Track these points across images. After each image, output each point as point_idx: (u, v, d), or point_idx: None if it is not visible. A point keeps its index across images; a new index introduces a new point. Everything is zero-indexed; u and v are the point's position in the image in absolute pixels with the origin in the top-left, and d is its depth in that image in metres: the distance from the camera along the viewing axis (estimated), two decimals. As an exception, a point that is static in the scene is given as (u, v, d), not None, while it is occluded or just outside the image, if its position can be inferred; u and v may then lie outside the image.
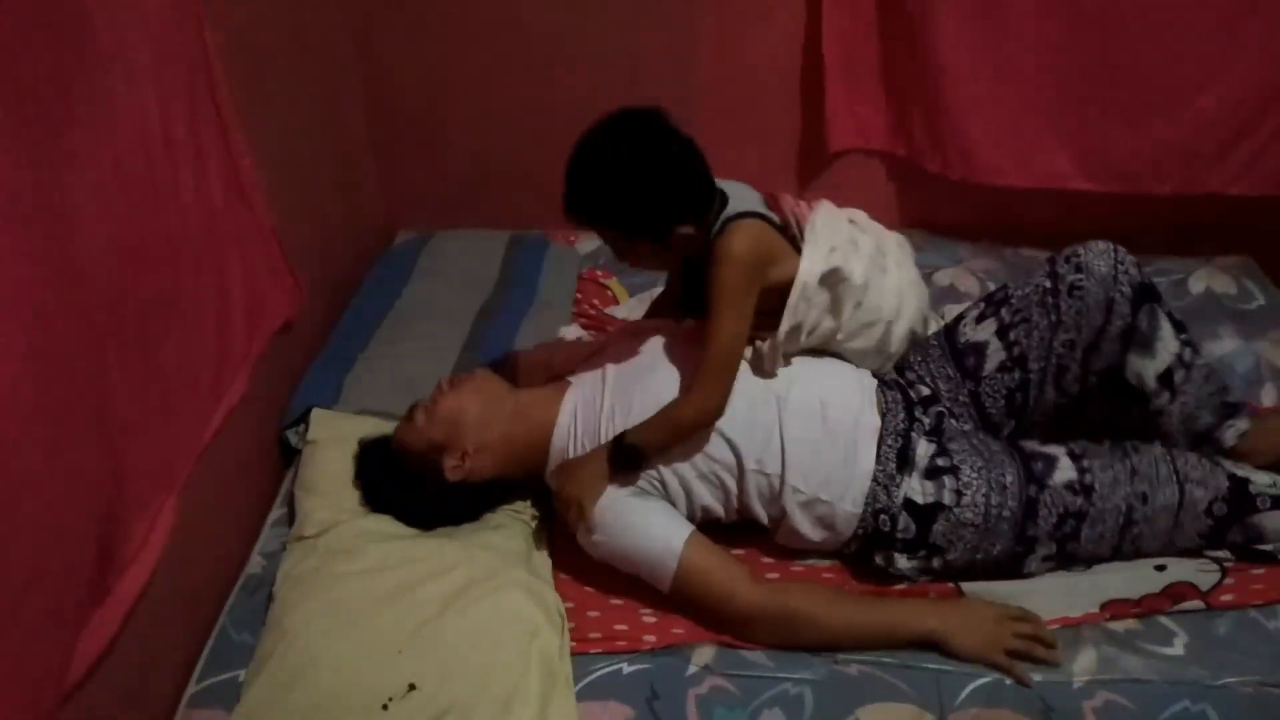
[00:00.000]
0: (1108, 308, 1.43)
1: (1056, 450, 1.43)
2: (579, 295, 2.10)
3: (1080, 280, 1.44)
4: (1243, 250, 2.18)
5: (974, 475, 1.40)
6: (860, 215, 1.59)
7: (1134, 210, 2.20)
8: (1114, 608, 1.38)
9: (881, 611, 1.37)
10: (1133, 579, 1.41)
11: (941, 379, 1.54)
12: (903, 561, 1.42)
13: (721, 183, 1.44)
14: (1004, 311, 1.51)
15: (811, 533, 1.45)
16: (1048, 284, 1.48)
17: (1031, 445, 1.46)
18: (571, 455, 1.47)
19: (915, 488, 1.41)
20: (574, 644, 1.36)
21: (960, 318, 1.58)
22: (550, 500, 1.50)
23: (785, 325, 1.44)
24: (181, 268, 1.35)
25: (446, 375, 1.59)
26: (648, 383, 1.46)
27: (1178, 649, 1.33)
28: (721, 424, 1.42)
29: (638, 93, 2.18)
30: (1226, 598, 1.37)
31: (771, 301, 1.45)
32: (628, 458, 1.41)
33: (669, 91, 2.20)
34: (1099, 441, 1.47)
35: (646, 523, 1.40)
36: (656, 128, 1.35)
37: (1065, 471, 1.40)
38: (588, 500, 1.40)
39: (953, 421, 1.51)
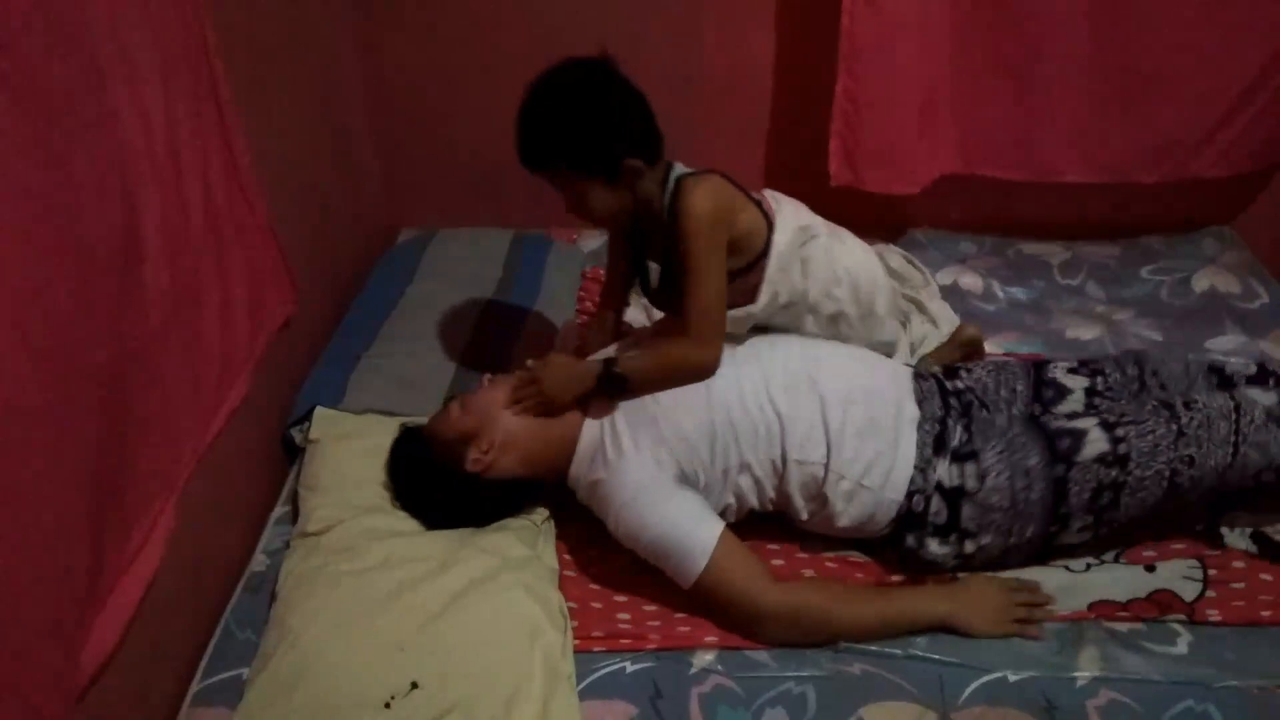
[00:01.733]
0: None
1: (1086, 423, 1.40)
2: (582, 294, 2.11)
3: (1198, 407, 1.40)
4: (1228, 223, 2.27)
5: (995, 459, 1.40)
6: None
7: (1130, 203, 2.22)
8: (1100, 609, 1.38)
9: (893, 602, 1.37)
10: (1122, 580, 1.42)
11: (1003, 383, 1.55)
12: (935, 546, 1.41)
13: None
14: (1098, 380, 1.53)
15: (850, 520, 1.44)
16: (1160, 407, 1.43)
17: (1059, 422, 1.42)
18: (605, 455, 1.43)
19: (944, 471, 1.41)
20: (578, 642, 1.36)
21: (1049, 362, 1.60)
22: (565, 497, 1.51)
23: (764, 298, 1.48)
24: (184, 267, 1.35)
25: (489, 375, 1.59)
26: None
27: (1181, 648, 1.33)
28: (762, 414, 1.41)
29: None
30: (1211, 612, 1.36)
31: (735, 260, 1.46)
32: (613, 385, 1.44)
33: (670, 89, 2.22)
34: (1140, 402, 1.46)
35: (679, 515, 1.37)
36: (600, 69, 1.39)
37: (1096, 444, 1.37)
38: (556, 400, 1.45)
39: (984, 411, 1.50)
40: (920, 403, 1.47)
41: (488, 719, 1.21)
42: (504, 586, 1.36)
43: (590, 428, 1.47)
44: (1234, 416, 1.37)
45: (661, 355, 1.45)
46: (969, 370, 1.59)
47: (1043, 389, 1.53)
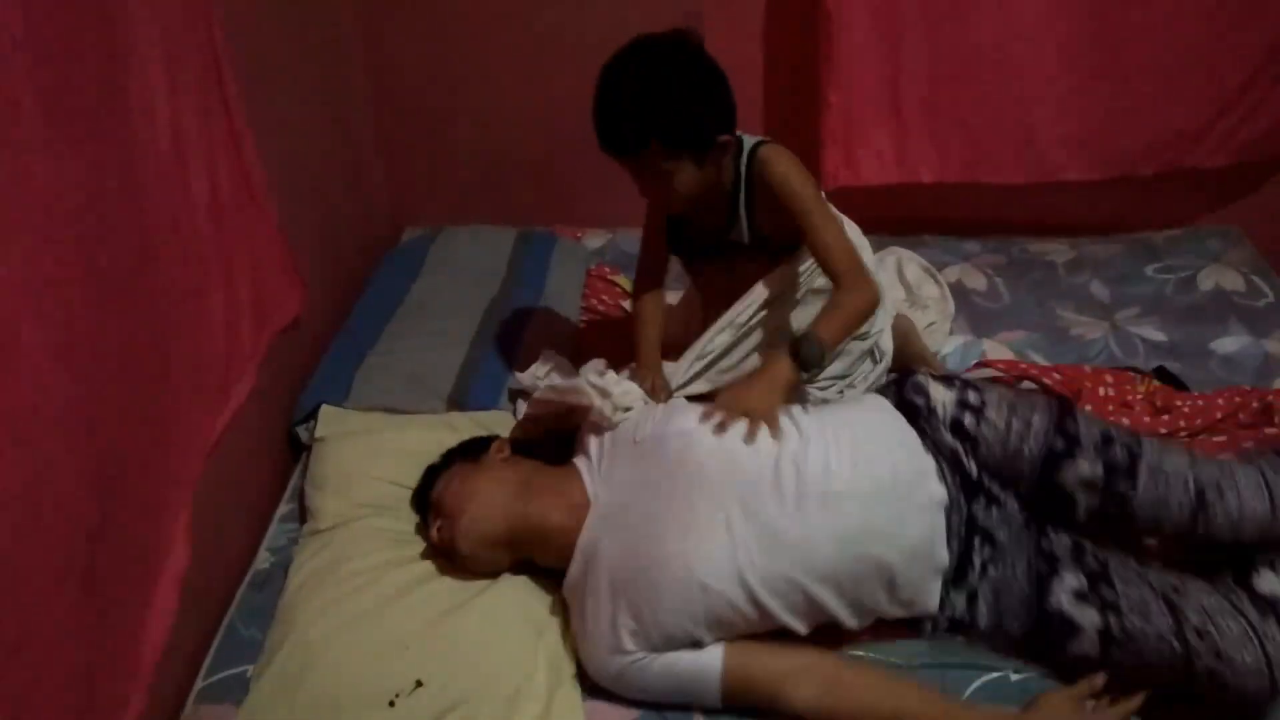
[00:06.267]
0: None
1: (1084, 615, 1.22)
2: (586, 291, 2.11)
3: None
4: (1232, 220, 2.27)
5: (985, 609, 1.29)
6: None
7: (1131, 197, 2.21)
8: None
9: None
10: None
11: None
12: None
13: None
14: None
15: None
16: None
17: (1057, 598, 1.23)
18: (583, 603, 1.29)
19: (956, 601, 1.31)
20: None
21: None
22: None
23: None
24: (190, 265, 1.36)
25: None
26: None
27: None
28: (755, 608, 1.24)
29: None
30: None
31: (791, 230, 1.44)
32: (813, 355, 1.33)
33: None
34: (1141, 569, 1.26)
35: (672, 667, 1.24)
36: (683, 42, 1.33)
37: (1085, 643, 1.23)
38: (768, 413, 1.31)
39: (994, 509, 1.32)
40: (949, 518, 1.28)
41: (491, 717, 1.21)
42: (509, 584, 1.37)
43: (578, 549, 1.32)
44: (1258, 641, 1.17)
45: (842, 310, 1.38)
46: (979, 429, 1.36)
47: (1049, 623, 1.25)
